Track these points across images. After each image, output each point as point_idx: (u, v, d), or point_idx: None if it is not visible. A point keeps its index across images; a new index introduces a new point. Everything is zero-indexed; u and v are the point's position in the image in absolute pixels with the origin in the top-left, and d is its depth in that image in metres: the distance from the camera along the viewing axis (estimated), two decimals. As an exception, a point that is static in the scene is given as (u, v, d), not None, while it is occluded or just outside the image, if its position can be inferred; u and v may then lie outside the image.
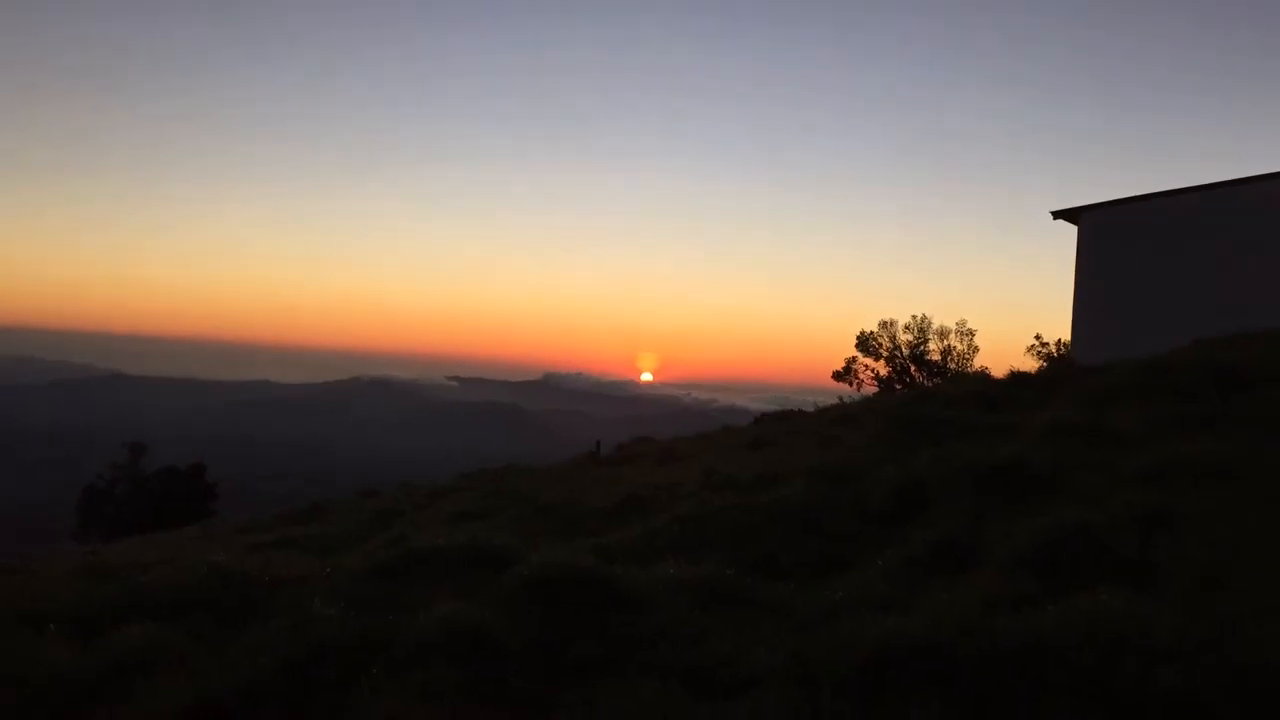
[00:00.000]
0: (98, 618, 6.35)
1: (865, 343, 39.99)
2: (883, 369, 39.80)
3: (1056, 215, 24.32)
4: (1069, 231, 24.29)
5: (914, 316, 39.98)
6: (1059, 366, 22.99)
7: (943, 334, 39.75)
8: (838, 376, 40.06)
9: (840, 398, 33.73)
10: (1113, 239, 23.29)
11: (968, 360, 39.05)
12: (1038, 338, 37.53)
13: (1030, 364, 32.78)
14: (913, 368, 39.31)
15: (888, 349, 39.80)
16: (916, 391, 25.80)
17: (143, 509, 44.15)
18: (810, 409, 21.23)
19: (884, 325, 40.09)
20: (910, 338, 39.82)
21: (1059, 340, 35.68)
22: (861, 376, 39.69)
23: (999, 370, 20.39)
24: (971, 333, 39.62)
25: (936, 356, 39.42)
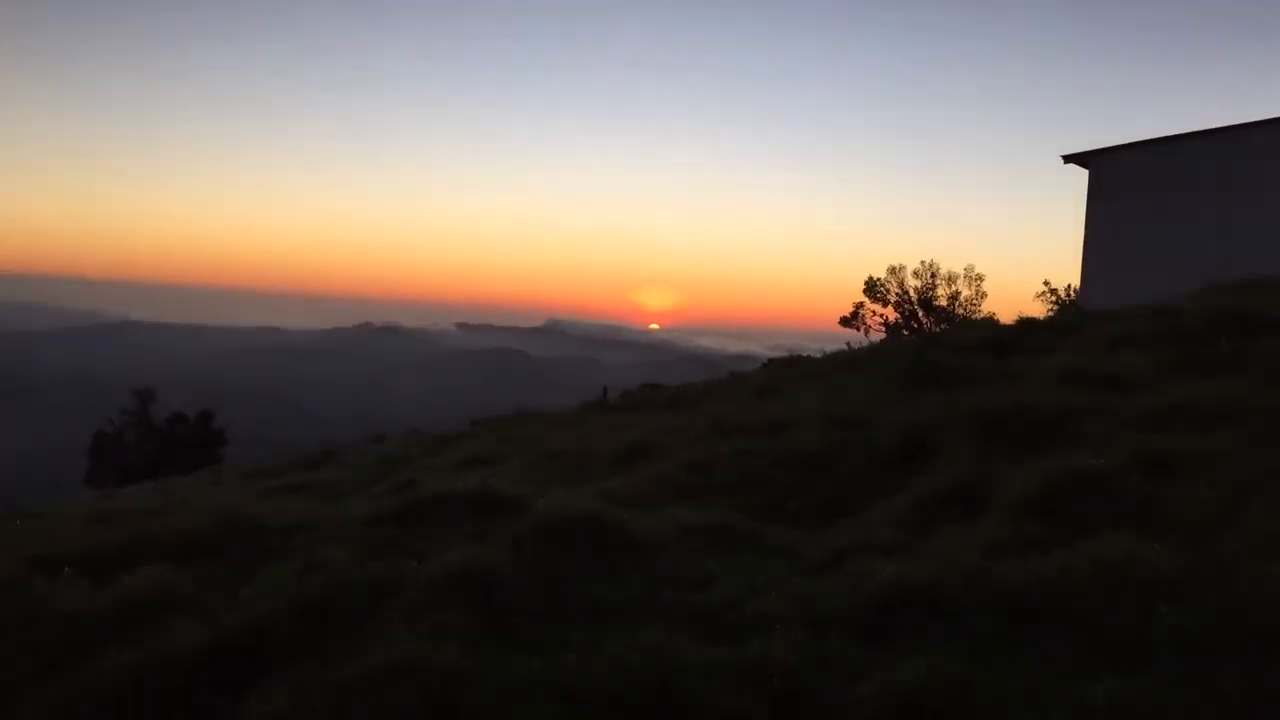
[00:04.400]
0: (110, 561, 6.42)
1: (873, 288, 39.79)
2: (891, 315, 39.66)
3: (1068, 159, 24.05)
4: (1080, 176, 24.06)
5: (922, 262, 39.74)
6: (1068, 312, 22.88)
7: (951, 280, 39.52)
8: (845, 322, 39.93)
9: (848, 344, 33.68)
10: (1124, 184, 23.05)
11: (976, 306, 38.88)
12: (1046, 283, 37.28)
13: (1039, 310, 32.63)
14: (921, 313, 39.17)
15: (896, 295, 39.61)
16: (925, 337, 25.74)
17: (153, 455, 44.49)
18: (818, 355, 21.16)
19: (892, 271, 39.87)
20: (918, 283, 39.61)
21: (1068, 286, 35.45)
22: (869, 322, 39.55)
23: (1007, 316, 20.28)
24: (980, 278, 39.39)
25: (944, 302, 39.24)
